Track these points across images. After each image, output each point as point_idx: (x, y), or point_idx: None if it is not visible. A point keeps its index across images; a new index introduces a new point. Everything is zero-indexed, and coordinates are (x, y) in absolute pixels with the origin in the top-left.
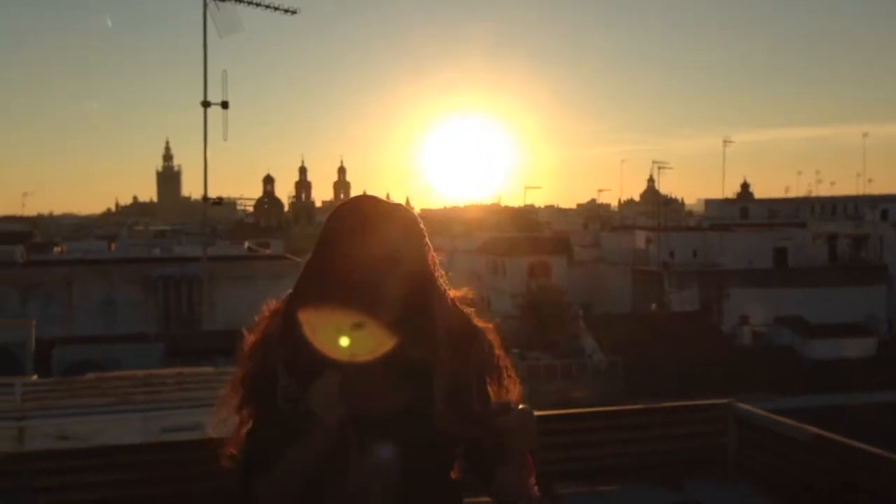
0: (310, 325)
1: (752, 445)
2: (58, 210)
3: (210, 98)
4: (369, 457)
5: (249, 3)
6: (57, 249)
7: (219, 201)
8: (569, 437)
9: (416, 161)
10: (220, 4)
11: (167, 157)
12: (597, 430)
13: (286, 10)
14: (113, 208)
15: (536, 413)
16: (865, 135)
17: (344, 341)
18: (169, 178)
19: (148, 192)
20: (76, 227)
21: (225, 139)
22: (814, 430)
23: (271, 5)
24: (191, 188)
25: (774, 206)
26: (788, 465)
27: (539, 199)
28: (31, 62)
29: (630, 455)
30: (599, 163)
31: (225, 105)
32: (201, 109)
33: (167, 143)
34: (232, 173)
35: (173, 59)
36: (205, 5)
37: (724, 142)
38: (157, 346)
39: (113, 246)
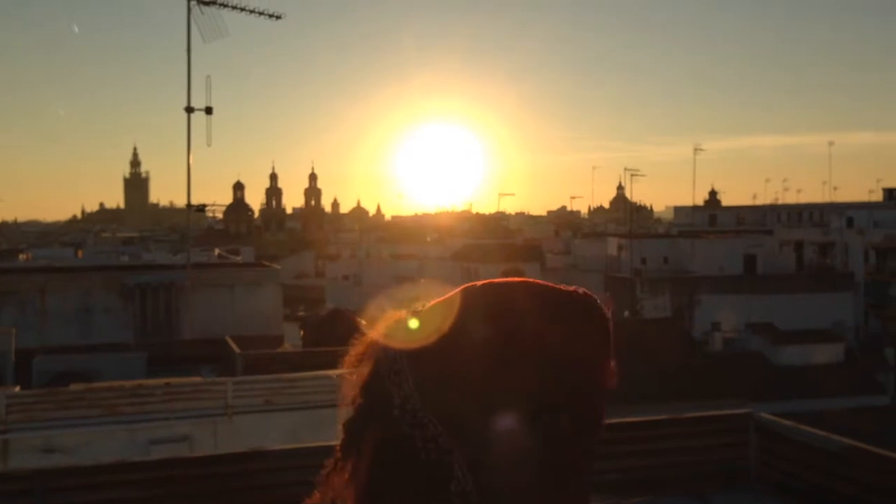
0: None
1: (775, 456)
2: (22, 217)
3: (193, 103)
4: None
5: (234, 8)
6: (22, 257)
7: (202, 208)
8: None
9: (389, 167)
10: (205, 9)
11: (135, 162)
12: (618, 441)
13: (271, 15)
14: (79, 215)
15: None
16: (831, 143)
17: (413, 323)
18: (136, 184)
19: (115, 198)
20: (41, 234)
21: (209, 145)
22: (842, 439)
23: (256, 10)
24: (159, 194)
25: (742, 214)
26: (816, 476)
27: (510, 206)
28: None
29: (652, 467)
30: (571, 170)
31: (209, 111)
32: (173, 114)
33: (135, 148)
34: (202, 179)
35: (147, 63)
36: (189, 10)
37: (695, 149)
38: (139, 355)
39: (80, 253)
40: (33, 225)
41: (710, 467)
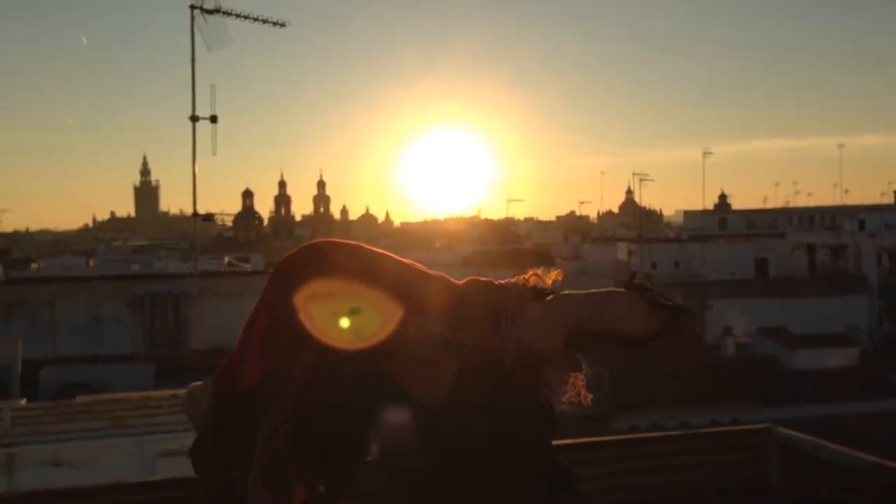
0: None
1: (797, 474)
2: (34, 226)
3: (198, 112)
4: (387, 422)
5: (238, 16)
6: (34, 266)
7: (209, 217)
8: (600, 468)
9: (397, 174)
10: (209, 17)
11: (145, 171)
12: (629, 458)
13: (275, 23)
14: (90, 223)
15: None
16: (841, 146)
17: (344, 323)
18: (147, 192)
19: (125, 207)
20: (53, 243)
21: (214, 154)
22: (867, 456)
23: (260, 18)
24: (169, 203)
25: (752, 217)
26: (838, 494)
27: (519, 212)
28: (6, 76)
29: (665, 485)
30: (579, 175)
31: (214, 119)
32: (180, 123)
33: (144, 157)
34: (211, 187)
35: (153, 72)
36: (192, 19)
37: (704, 153)
38: (148, 366)
39: (91, 262)
40: (45, 234)
41: (727, 484)
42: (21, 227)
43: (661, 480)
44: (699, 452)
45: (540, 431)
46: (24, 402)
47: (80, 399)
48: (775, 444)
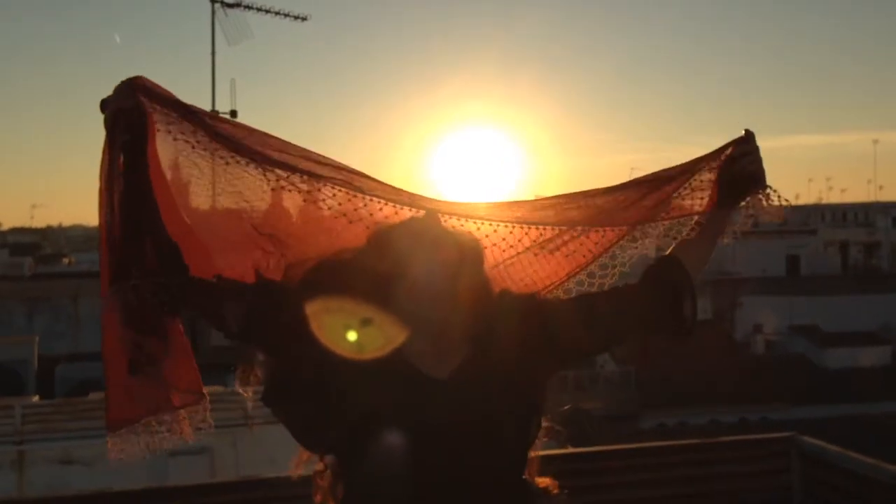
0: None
1: (821, 486)
2: (67, 221)
3: (218, 107)
4: (379, 444)
5: (259, 10)
6: (66, 261)
7: None
8: (617, 477)
9: (425, 171)
10: (229, 11)
11: None
12: (644, 468)
13: (296, 17)
14: None
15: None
16: (876, 142)
17: (351, 336)
18: None
19: None
20: (85, 238)
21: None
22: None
23: (281, 12)
24: None
25: (784, 214)
26: None
27: None
28: (38, 73)
29: (682, 497)
30: (608, 171)
31: (234, 114)
32: None
33: None
34: None
35: (181, 67)
36: (213, 13)
37: None
38: None
39: None
40: (78, 229)
41: (747, 496)
42: (54, 222)
43: (677, 492)
44: (718, 462)
45: (530, 426)
46: (36, 399)
47: (92, 396)
48: (798, 454)
